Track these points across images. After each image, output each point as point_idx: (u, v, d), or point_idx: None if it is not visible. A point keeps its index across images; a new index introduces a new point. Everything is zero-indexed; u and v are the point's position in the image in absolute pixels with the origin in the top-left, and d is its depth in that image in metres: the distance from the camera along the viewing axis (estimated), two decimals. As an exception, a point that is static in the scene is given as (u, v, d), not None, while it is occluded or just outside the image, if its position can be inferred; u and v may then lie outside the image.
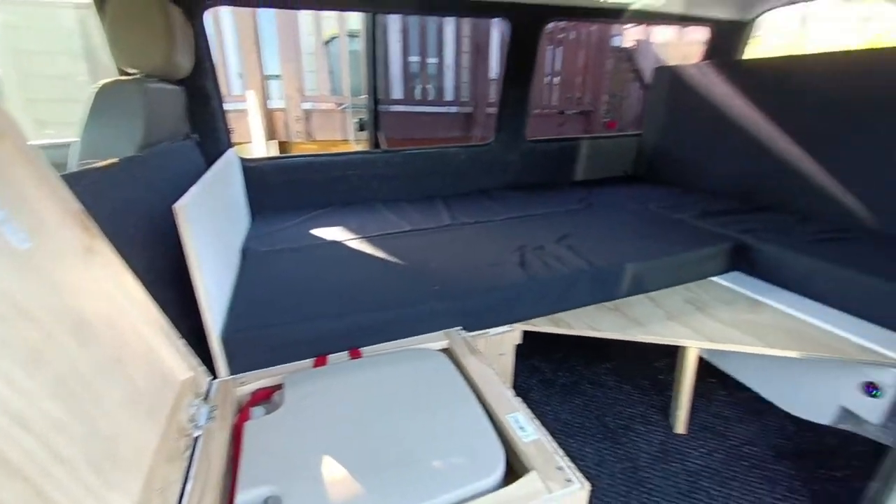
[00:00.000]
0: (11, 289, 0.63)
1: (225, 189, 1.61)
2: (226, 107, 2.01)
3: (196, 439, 0.88)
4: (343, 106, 4.35)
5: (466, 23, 4.91)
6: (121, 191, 1.16)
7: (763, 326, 1.33)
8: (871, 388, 1.22)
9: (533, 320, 1.40)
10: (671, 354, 1.78)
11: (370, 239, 1.77)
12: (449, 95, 5.17)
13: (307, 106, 4.06)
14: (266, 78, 4.08)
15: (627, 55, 6.27)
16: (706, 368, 1.69)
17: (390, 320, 1.24)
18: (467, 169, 2.51)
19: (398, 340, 1.23)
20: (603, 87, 6.05)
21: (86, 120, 1.35)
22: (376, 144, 2.35)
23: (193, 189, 1.11)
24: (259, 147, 3.67)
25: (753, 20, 2.57)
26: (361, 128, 2.67)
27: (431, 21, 4.58)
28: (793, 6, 2.41)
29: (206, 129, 1.95)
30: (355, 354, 1.17)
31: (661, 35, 6.73)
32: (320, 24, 4.09)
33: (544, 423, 1.42)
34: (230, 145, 2.03)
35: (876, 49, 1.79)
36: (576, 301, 1.46)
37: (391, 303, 1.26)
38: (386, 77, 3.92)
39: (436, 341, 1.24)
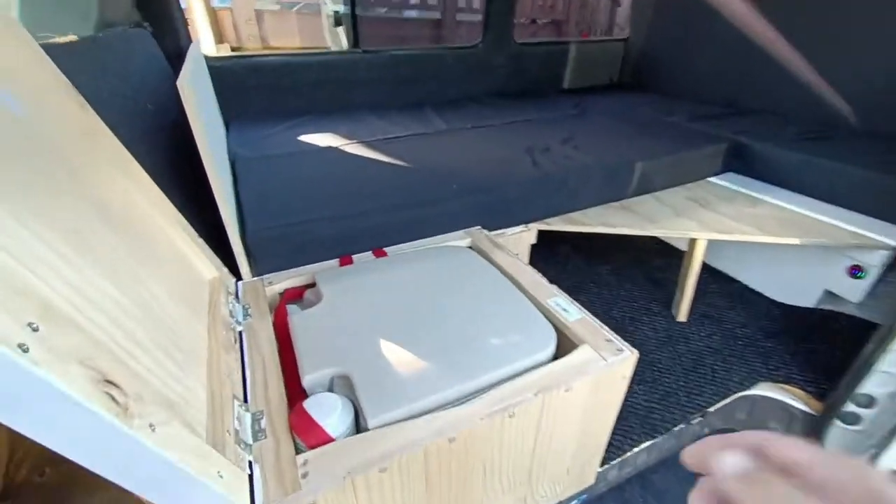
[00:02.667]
0: (27, 159, 0.52)
1: (202, 87, 1.41)
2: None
3: (240, 334, 0.84)
4: (298, 6, 3.87)
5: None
6: (85, 75, 0.97)
7: (763, 218, 1.40)
8: (856, 271, 1.34)
9: (547, 220, 1.40)
10: (667, 255, 1.88)
11: (368, 144, 1.65)
12: (414, -1, 4.72)
13: (259, 6, 3.58)
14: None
15: (599, -42, 5.87)
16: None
17: (412, 219, 1.19)
18: (454, 73, 2.34)
19: (421, 240, 1.20)
20: (575, -6, 5.71)
21: (20, -13, 1.09)
22: (356, 44, 2.11)
23: (187, 66, 0.95)
24: (209, 51, 3.24)
25: None
26: (337, 22, 2.37)
27: None
28: None
29: (161, 19, 1.66)
30: (380, 254, 1.13)
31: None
32: None
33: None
34: (190, 40, 1.76)
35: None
36: (587, 200, 1.46)
37: (412, 202, 1.21)
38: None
39: (458, 240, 1.21)
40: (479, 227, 1.27)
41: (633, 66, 2.78)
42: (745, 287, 1.68)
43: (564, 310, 0.93)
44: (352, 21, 2.07)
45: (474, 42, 2.38)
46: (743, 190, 1.60)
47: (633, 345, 1.32)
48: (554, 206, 1.40)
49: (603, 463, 1.06)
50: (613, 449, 1.09)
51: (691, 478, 0.26)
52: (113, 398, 0.43)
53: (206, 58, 1.82)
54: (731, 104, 2.19)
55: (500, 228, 1.34)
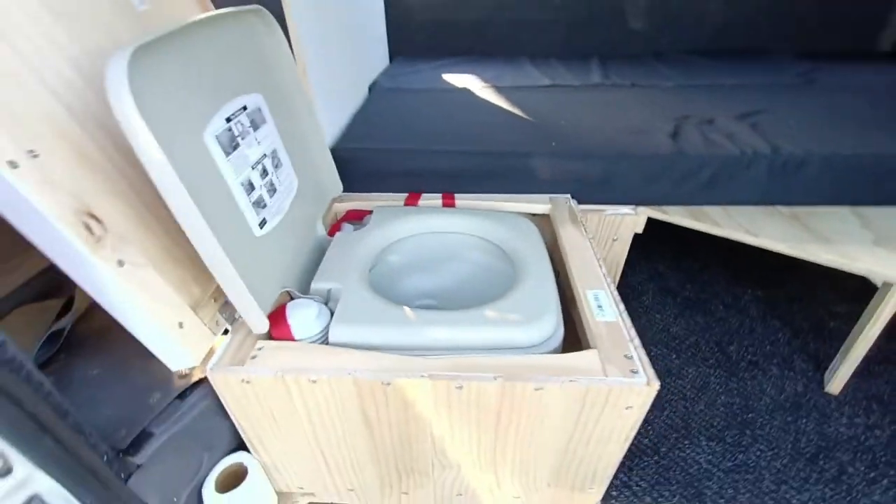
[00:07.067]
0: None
1: (354, 12, 1.51)
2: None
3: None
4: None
5: None
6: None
7: None
8: None
9: (666, 207, 1.13)
10: (861, 298, 1.32)
11: (501, 90, 1.57)
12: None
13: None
14: None
15: None
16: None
17: (491, 170, 1.11)
18: (645, 21, 1.96)
19: (497, 195, 1.12)
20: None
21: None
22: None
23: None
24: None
25: None
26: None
27: None
28: None
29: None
30: (448, 200, 1.10)
31: None
32: None
33: (647, 331, 1.25)
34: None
35: None
36: (735, 195, 1.11)
37: (497, 151, 1.12)
38: None
39: (537, 203, 1.09)
40: (568, 195, 1.11)
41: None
42: None
43: (599, 307, 0.76)
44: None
45: (683, -18, 1.92)
46: None
47: (736, 394, 1.07)
48: (680, 192, 1.11)
49: (608, 499, 0.88)
50: (634, 494, 0.89)
51: None
52: (90, 229, 0.55)
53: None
54: None
55: (599, 203, 1.14)
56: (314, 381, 0.66)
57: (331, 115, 1.19)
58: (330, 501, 0.91)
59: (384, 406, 0.69)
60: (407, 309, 0.75)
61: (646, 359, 0.67)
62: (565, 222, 1.00)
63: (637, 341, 0.70)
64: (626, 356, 0.67)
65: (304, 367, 0.66)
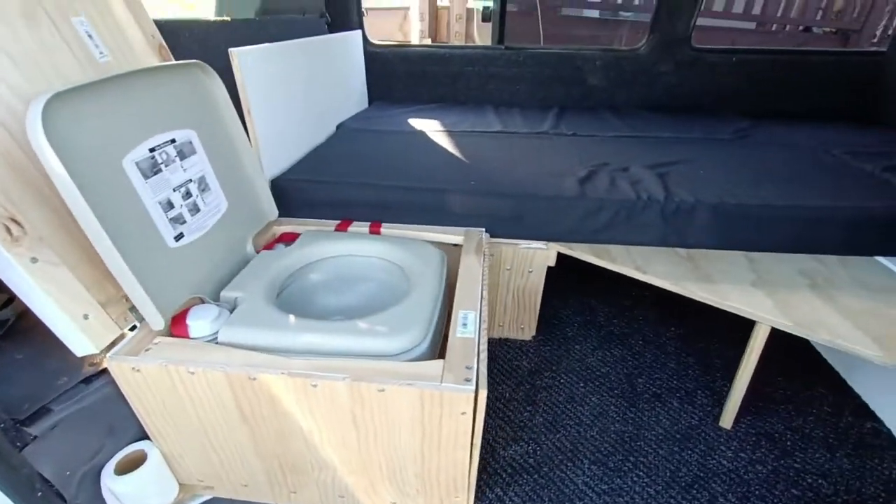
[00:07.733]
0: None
1: (325, 63, 1.69)
2: (388, 3, 2.06)
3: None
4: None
5: None
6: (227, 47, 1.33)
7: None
8: None
9: (572, 244, 1.22)
10: (778, 347, 1.37)
11: (453, 133, 1.72)
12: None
13: (472, 4, 3.90)
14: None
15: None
16: (828, 376, 1.26)
17: (414, 203, 1.24)
18: (603, 79, 2.13)
19: (420, 225, 1.23)
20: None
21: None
22: (501, 40, 2.16)
23: (263, 46, 1.22)
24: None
25: None
26: (485, 18, 2.44)
27: None
28: None
29: (337, 10, 2.06)
30: (375, 228, 1.23)
31: None
32: None
33: (563, 360, 1.31)
34: (361, 27, 2.11)
35: None
36: (634, 236, 1.20)
37: (420, 187, 1.24)
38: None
39: (453, 235, 1.20)
40: (482, 229, 1.22)
41: (892, 91, 1.96)
42: (879, 429, 1.09)
43: (464, 325, 0.85)
44: (500, 16, 2.12)
45: (636, 46, 2.10)
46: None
47: (630, 423, 1.14)
48: (583, 231, 1.21)
49: (478, 511, 0.93)
50: (500, 505, 0.94)
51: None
52: (9, 231, 0.68)
53: (366, 43, 2.14)
54: None
55: (513, 237, 1.24)
56: (192, 373, 0.76)
57: (279, 151, 1.34)
58: (228, 497, 0.98)
59: (255, 401, 0.78)
60: (291, 316, 0.85)
61: (484, 370, 0.75)
62: (470, 252, 1.11)
63: (484, 355, 0.78)
64: (467, 367, 0.75)
65: (183, 359, 0.76)
